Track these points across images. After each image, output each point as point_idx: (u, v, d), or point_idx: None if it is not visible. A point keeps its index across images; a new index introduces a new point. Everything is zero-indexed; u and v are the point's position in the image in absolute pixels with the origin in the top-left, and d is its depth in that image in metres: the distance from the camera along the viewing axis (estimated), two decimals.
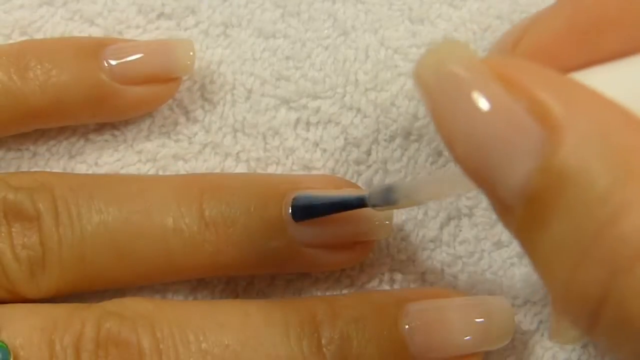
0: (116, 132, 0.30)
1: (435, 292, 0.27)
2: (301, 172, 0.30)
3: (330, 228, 0.27)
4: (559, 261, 0.17)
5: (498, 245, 0.29)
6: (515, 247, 0.29)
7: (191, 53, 0.29)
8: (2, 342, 0.25)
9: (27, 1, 0.31)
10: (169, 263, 0.27)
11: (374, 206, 0.25)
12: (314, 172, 0.30)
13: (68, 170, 0.30)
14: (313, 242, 0.27)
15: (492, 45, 0.26)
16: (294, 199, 0.27)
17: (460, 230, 0.29)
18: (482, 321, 0.26)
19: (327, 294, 0.29)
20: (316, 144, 0.30)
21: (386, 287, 0.29)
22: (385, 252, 0.29)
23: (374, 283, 0.29)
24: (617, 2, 0.22)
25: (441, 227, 0.29)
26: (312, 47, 0.31)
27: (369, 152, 0.30)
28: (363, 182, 0.30)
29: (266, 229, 0.27)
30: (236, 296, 0.29)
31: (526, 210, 0.18)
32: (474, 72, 0.18)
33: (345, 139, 0.30)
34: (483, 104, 0.18)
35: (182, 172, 0.30)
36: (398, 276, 0.29)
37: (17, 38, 0.31)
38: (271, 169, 0.30)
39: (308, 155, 0.30)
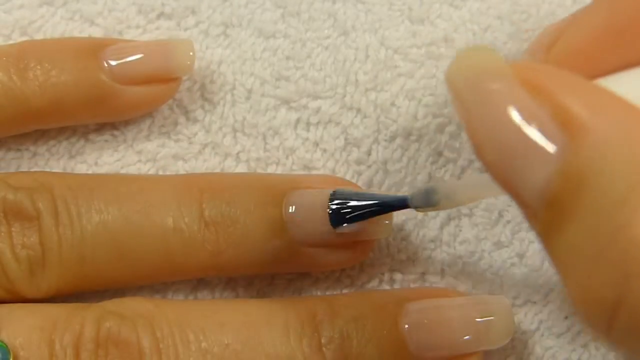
0: (116, 132, 0.30)
1: (435, 292, 0.27)
2: (301, 172, 0.30)
3: (329, 228, 0.27)
4: (576, 264, 0.17)
5: (498, 245, 0.29)
6: (515, 247, 0.29)
7: (191, 53, 0.29)
8: (2, 342, 0.25)
9: (27, 1, 0.31)
10: (169, 262, 0.27)
11: (415, 208, 0.26)
12: (314, 172, 0.30)
13: (68, 170, 0.30)
14: (313, 242, 0.27)
15: (529, 44, 0.26)
16: (332, 201, 0.26)
17: (460, 230, 0.29)
18: (482, 320, 0.26)
19: (327, 293, 0.29)
20: (316, 144, 0.30)
21: (386, 287, 0.29)
22: (385, 252, 0.29)
23: (374, 283, 0.29)
24: None
25: (441, 227, 0.29)
26: (312, 47, 0.31)
27: (369, 152, 0.30)
28: (363, 182, 0.30)
29: (266, 229, 0.27)
30: (236, 296, 0.29)
31: (547, 214, 0.18)
32: (502, 80, 0.18)
33: (346, 139, 0.30)
34: (509, 111, 0.18)
35: (182, 172, 0.30)
36: (398, 276, 0.29)
37: (17, 38, 0.31)
38: (271, 169, 0.30)
39: (308, 156, 0.30)
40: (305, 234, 0.27)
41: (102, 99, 0.28)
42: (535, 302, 0.28)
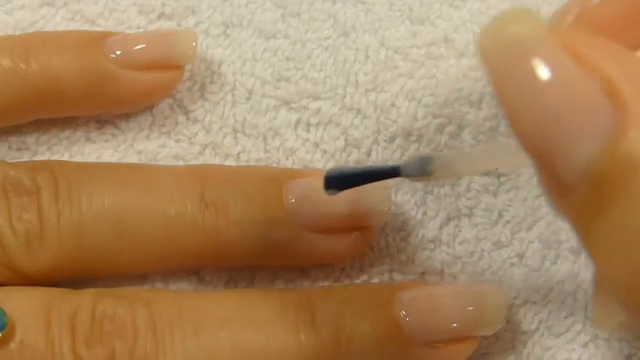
0: (116, 132, 0.30)
1: (430, 285, 0.28)
2: None
3: (329, 208, 0.27)
4: (618, 250, 0.16)
5: (498, 245, 0.29)
6: (515, 247, 0.29)
7: (194, 43, 0.29)
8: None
9: (28, 2, 0.31)
10: (169, 243, 0.27)
11: (407, 176, 0.24)
12: None
13: None
14: (313, 224, 0.27)
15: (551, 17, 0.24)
16: (327, 171, 0.26)
17: (460, 230, 0.29)
18: (473, 306, 0.26)
19: None
20: (316, 145, 0.30)
21: None
22: (385, 252, 0.29)
23: (373, 283, 0.29)
24: None
25: (441, 227, 0.29)
26: (313, 48, 0.31)
27: (369, 153, 0.30)
28: None
29: (267, 214, 0.27)
30: None
31: (587, 193, 0.17)
32: (544, 41, 0.17)
33: (346, 139, 0.30)
34: (553, 76, 0.16)
35: None
36: (398, 276, 0.29)
37: None
38: None
39: (308, 156, 0.30)
40: (305, 216, 0.27)
41: (104, 83, 0.29)
42: (535, 302, 0.28)
